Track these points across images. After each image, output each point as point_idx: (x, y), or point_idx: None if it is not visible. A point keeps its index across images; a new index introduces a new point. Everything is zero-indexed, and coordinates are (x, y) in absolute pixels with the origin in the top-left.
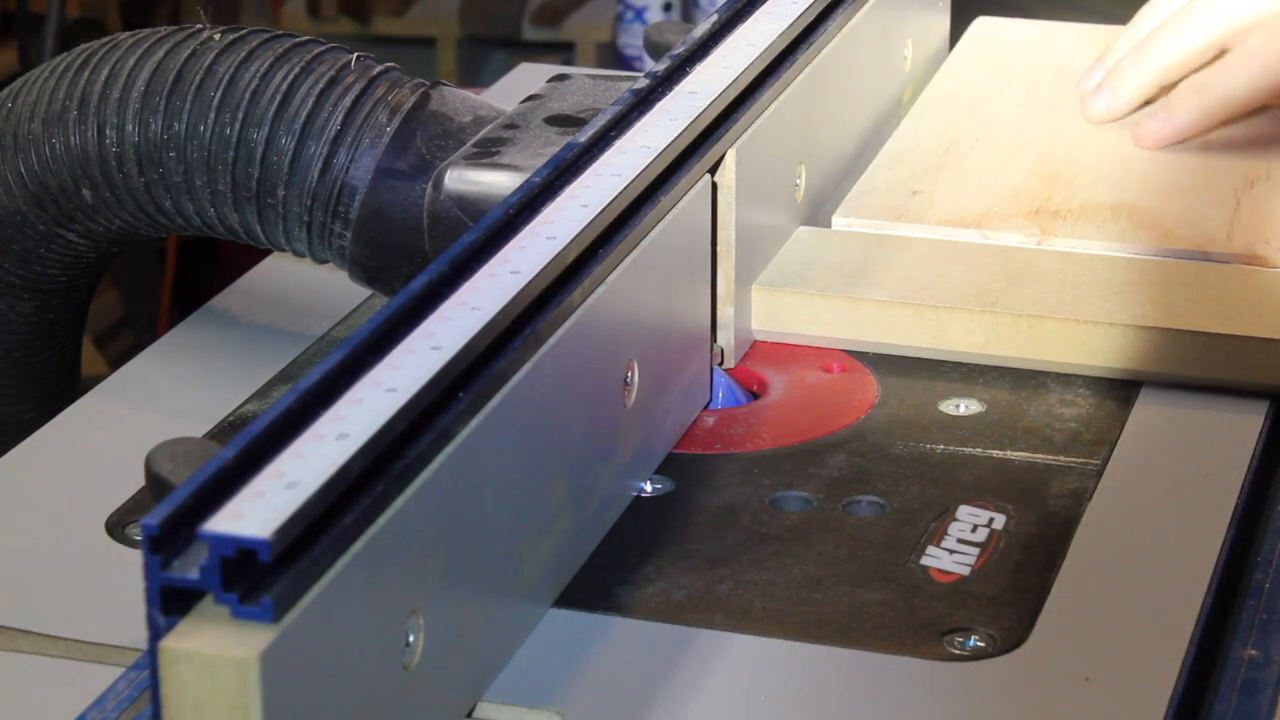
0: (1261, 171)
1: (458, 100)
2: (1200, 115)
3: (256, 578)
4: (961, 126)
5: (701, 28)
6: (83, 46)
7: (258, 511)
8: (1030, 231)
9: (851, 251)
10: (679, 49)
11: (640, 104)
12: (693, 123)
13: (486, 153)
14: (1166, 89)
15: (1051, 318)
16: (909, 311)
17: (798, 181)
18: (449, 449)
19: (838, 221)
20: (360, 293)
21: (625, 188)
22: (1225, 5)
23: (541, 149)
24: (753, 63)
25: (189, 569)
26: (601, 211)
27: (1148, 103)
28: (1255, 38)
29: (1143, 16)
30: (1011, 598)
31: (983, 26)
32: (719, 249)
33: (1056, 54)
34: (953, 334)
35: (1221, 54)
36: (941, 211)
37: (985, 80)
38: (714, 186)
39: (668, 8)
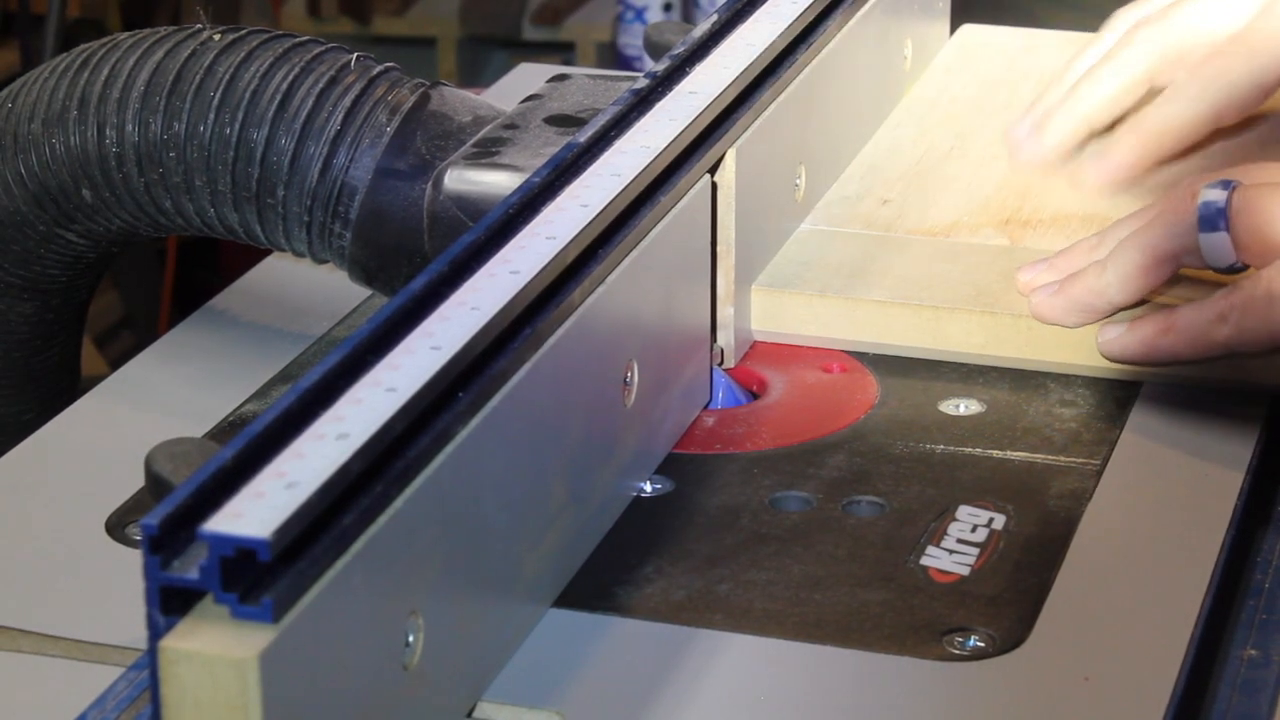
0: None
1: (457, 100)
2: (1139, 151)
3: (256, 578)
4: (938, 134)
5: (701, 28)
6: (83, 46)
7: (257, 511)
8: (999, 242)
9: (851, 252)
10: (679, 49)
11: (640, 104)
12: (692, 123)
13: (486, 153)
14: (1098, 133)
15: None
16: (908, 312)
17: (797, 182)
18: (449, 449)
19: (807, 230)
20: (360, 293)
21: (625, 188)
22: (1146, 43)
23: (541, 149)
24: (752, 63)
25: (188, 569)
26: (601, 211)
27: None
28: (1183, 71)
29: (1071, 65)
30: (1011, 598)
31: (968, 34)
32: (719, 249)
33: (1040, 62)
34: (952, 334)
35: (1150, 91)
36: (911, 221)
37: (966, 88)
38: (714, 186)
39: (668, 8)
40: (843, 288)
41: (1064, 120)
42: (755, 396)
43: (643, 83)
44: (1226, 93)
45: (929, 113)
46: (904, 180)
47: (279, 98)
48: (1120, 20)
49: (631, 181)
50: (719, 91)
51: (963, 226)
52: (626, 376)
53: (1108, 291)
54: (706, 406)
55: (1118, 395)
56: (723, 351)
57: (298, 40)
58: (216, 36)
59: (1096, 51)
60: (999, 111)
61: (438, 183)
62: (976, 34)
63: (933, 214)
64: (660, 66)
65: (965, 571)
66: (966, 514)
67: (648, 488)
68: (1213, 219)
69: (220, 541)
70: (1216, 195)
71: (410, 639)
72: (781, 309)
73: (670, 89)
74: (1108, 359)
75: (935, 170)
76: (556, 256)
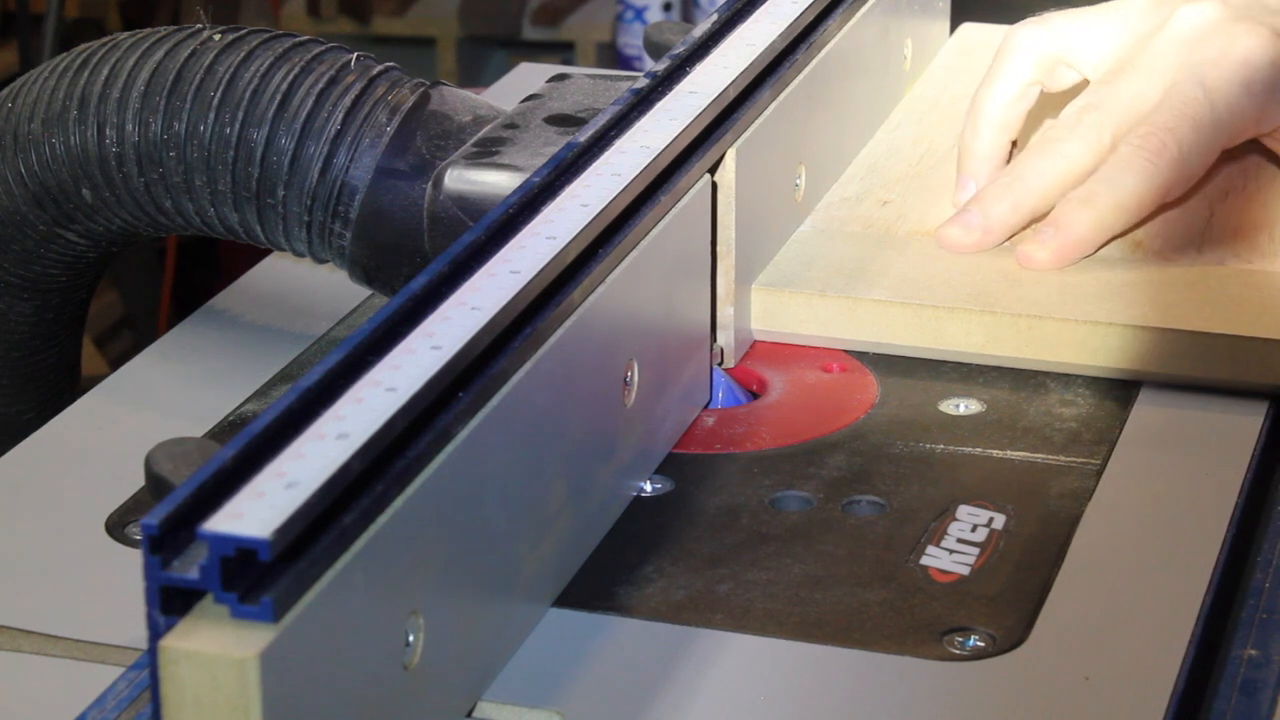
0: (1237, 182)
1: (457, 100)
2: (1094, 228)
3: (256, 577)
4: (938, 135)
5: (701, 27)
6: (82, 46)
7: (257, 511)
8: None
9: (851, 252)
10: (679, 49)
11: (640, 104)
12: (692, 122)
13: (486, 152)
14: (1039, 217)
15: (1051, 318)
16: (909, 312)
17: (798, 181)
18: (449, 449)
19: (807, 230)
20: (360, 292)
21: (625, 188)
22: (1093, 130)
23: (541, 149)
24: (753, 62)
25: (189, 569)
26: (601, 211)
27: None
28: (1126, 144)
29: (980, 107)
30: (1011, 597)
31: (968, 34)
32: (719, 249)
33: None
34: (952, 334)
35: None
36: (911, 221)
37: (966, 88)
38: (714, 186)
39: (668, 7)
40: (843, 287)
41: (1010, 212)
42: (755, 396)
43: (643, 82)
44: (1176, 168)
45: (929, 113)
46: (904, 181)
47: (279, 97)
48: (1020, 43)
49: (632, 181)
50: (719, 91)
51: None
52: (627, 376)
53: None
54: (706, 406)
55: (1118, 395)
56: (723, 351)
57: (298, 40)
58: (216, 36)
59: (1004, 89)
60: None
61: (438, 182)
62: (976, 33)
63: (933, 214)
64: (660, 66)
65: (965, 571)
66: (966, 514)
67: (648, 487)
68: None
69: (220, 541)
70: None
71: (410, 639)
72: (782, 308)
73: (670, 89)
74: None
75: (935, 171)
76: (557, 256)
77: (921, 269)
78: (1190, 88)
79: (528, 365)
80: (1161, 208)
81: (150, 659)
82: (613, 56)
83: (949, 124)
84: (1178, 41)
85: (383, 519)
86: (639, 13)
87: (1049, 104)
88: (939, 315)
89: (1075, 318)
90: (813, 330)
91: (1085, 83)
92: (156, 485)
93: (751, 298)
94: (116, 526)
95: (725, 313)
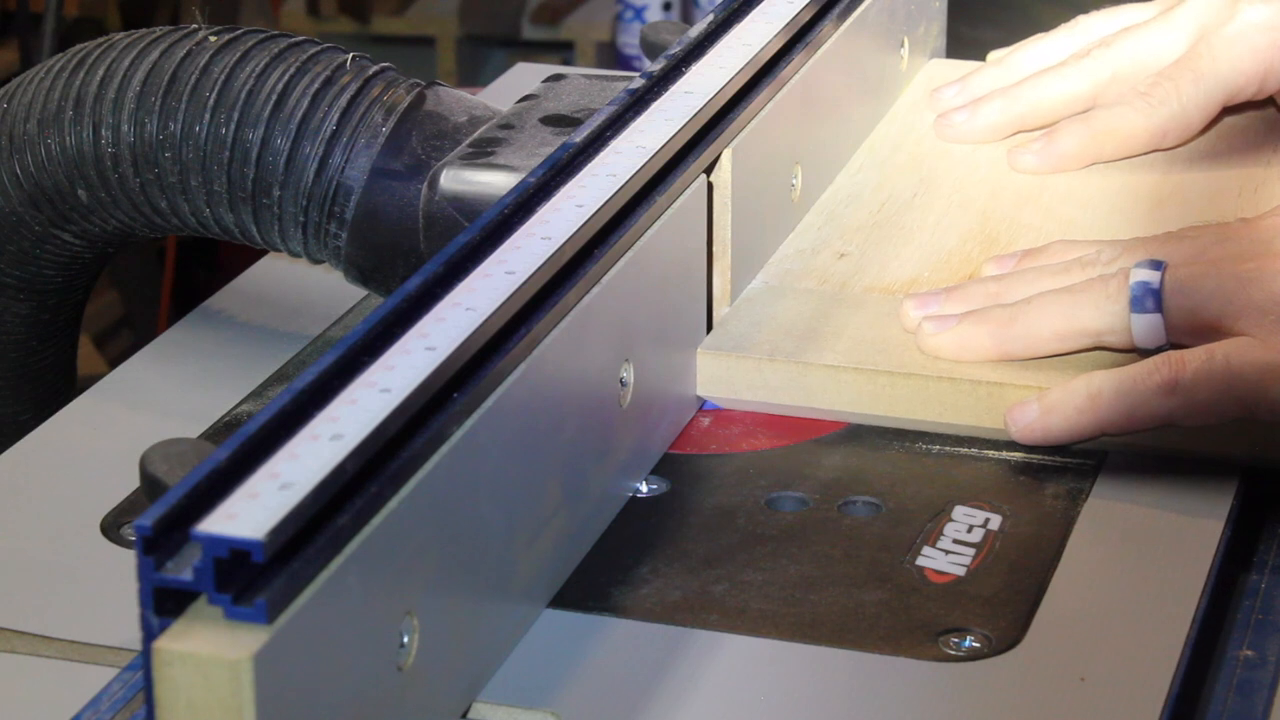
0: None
1: (453, 100)
2: (1083, 144)
3: (250, 579)
4: (901, 179)
5: (698, 28)
6: (79, 46)
7: (251, 512)
8: None
9: (804, 310)
10: (675, 49)
11: (636, 104)
12: (688, 123)
13: (482, 153)
14: (1026, 130)
15: (1012, 385)
16: (861, 378)
17: (794, 182)
18: (443, 450)
19: (759, 286)
20: (356, 293)
21: (621, 188)
22: (1099, 63)
23: (537, 149)
24: (749, 63)
25: (182, 570)
26: (597, 212)
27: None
28: (1133, 90)
29: (1020, 52)
30: (1007, 598)
31: (935, 70)
32: (715, 249)
33: None
34: (907, 401)
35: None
36: (869, 276)
37: (932, 129)
38: (710, 187)
39: (667, 7)
40: (793, 351)
41: (1001, 110)
42: None
43: (639, 83)
44: (1174, 114)
45: (892, 155)
46: (863, 231)
47: (274, 98)
48: (1083, 27)
49: (627, 182)
50: (715, 91)
51: (923, 282)
52: (622, 377)
53: (1010, 345)
54: (702, 407)
55: None
56: None
57: (294, 40)
58: (213, 37)
59: (1048, 47)
60: (964, 155)
61: (433, 183)
62: (944, 70)
63: (892, 268)
64: (656, 66)
65: (961, 572)
66: (962, 514)
67: (643, 488)
68: (1146, 300)
69: (214, 542)
70: (1149, 276)
71: (405, 640)
72: (729, 374)
73: (666, 89)
74: (1023, 442)
75: (896, 219)
76: (552, 257)
77: (878, 330)
78: (1199, 45)
79: (523, 366)
80: None
81: (144, 660)
82: (612, 56)
83: (913, 167)
84: (1200, 8)
85: (377, 520)
86: (638, 12)
87: None
88: (893, 382)
89: (1035, 385)
90: (762, 397)
91: None
92: (151, 486)
93: (698, 363)
94: (111, 527)
95: (721, 313)
